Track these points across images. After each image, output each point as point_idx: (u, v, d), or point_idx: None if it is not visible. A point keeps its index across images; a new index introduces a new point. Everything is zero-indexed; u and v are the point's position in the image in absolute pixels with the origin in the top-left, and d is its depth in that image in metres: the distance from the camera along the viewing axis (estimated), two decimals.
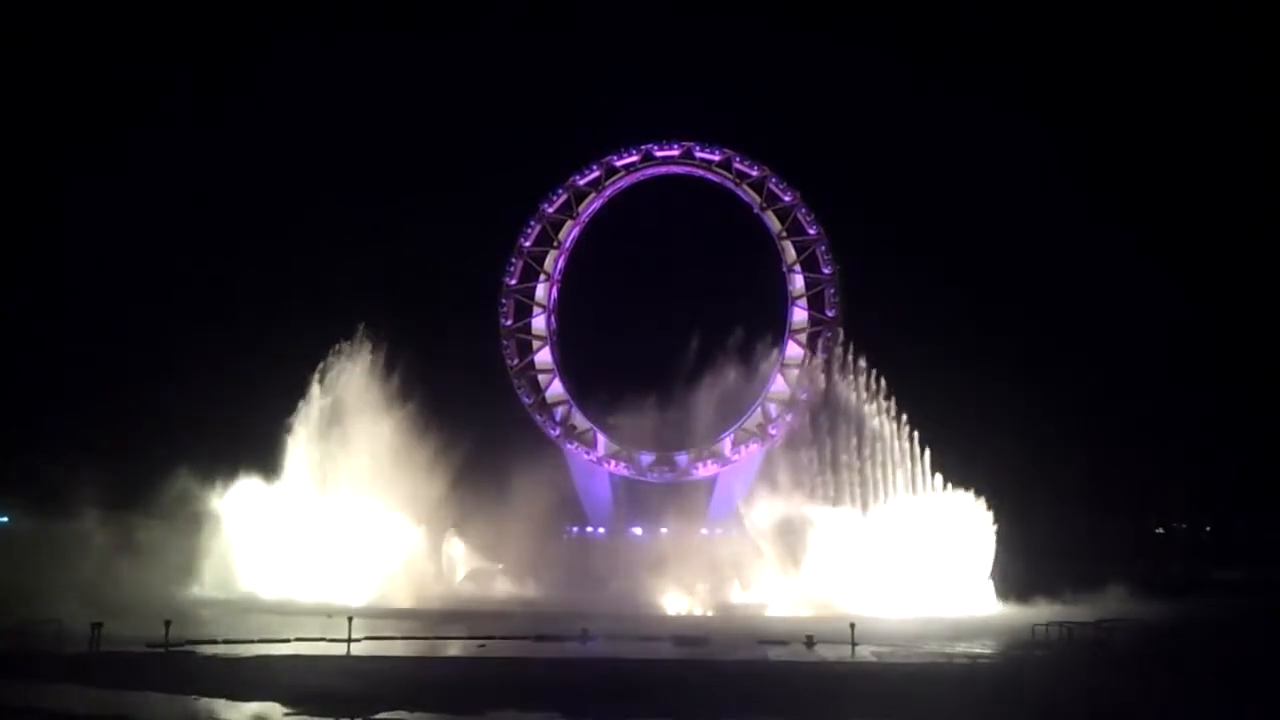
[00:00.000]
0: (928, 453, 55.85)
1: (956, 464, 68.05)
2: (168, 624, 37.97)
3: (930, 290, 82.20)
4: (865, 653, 36.94)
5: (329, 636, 40.21)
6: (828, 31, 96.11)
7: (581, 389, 68.67)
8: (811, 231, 66.66)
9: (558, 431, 66.96)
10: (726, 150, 67.80)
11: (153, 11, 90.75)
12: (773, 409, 66.27)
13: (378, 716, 26.82)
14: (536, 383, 67.95)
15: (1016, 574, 56.00)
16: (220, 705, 28.82)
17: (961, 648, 39.26)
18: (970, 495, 54.84)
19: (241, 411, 61.03)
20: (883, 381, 57.22)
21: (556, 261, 68.95)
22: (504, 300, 68.29)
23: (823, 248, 66.44)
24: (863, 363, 57.65)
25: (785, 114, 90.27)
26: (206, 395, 64.58)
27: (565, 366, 68.68)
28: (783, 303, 67.41)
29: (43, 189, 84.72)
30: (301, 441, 57.47)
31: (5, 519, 76.39)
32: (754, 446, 66.07)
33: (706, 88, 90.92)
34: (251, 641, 39.52)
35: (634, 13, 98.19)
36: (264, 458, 57.93)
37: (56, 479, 69.05)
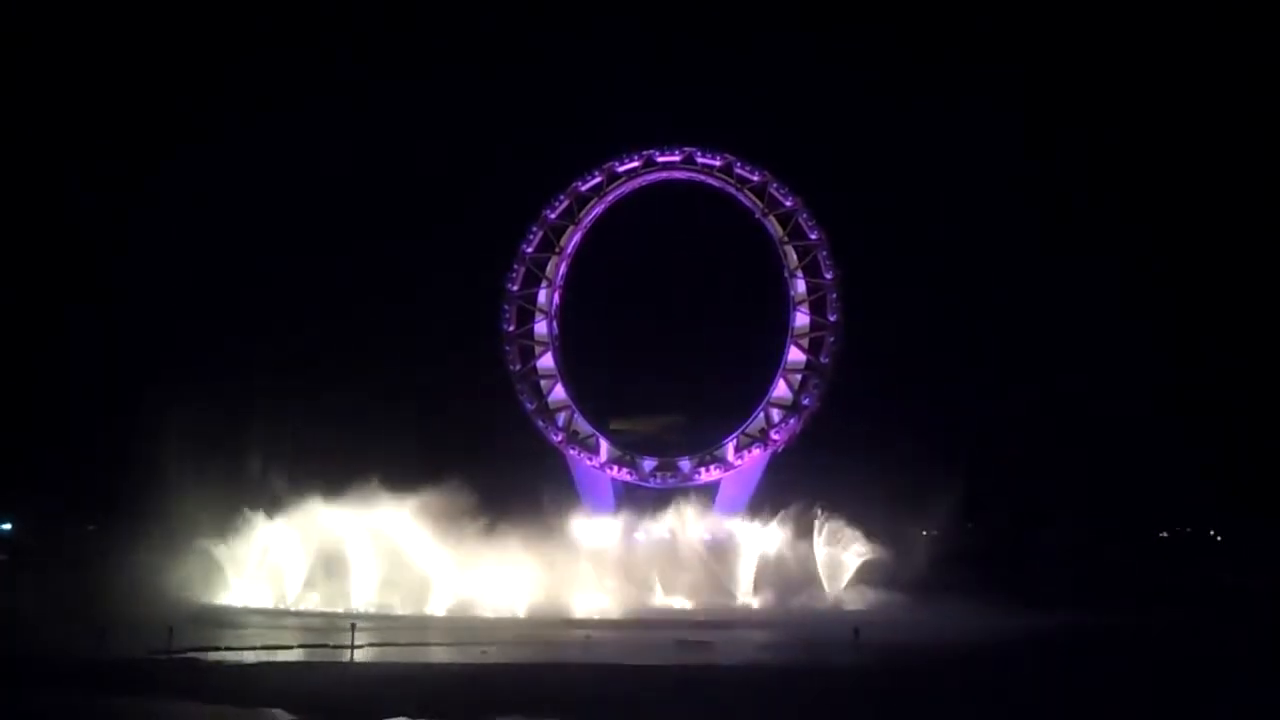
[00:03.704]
0: None
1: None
2: (171, 630, 38.13)
3: (930, 290, 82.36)
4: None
5: (332, 644, 40.37)
6: (828, 32, 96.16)
7: (583, 394, 68.61)
8: (813, 236, 66.61)
9: (560, 437, 66.98)
10: (727, 155, 67.72)
11: (151, 12, 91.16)
12: (775, 414, 66.26)
13: None
14: (538, 388, 67.92)
15: (1021, 581, 56.03)
16: (224, 712, 28.95)
17: None
18: None
19: (248, 417, 61.11)
20: None
21: (558, 267, 68.99)
22: (506, 305, 68.35)
23: (824, 252, 66.36)
24: None
25: (785, 114, 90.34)
26: (210, 403, 64.55)
27: (567, 372, 68.72)
28: (784, 307, 67.41)
29: (43, 191, 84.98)
30: None
31: (8, 525, 76.69)
32: (756, 451, 66.02)
33: (707, 88, 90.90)
34: (255, 649, 39.71)
35: (634, 14, 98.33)
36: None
37: (59, 486, 69.43)
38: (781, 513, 60.88)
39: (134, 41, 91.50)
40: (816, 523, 60.33)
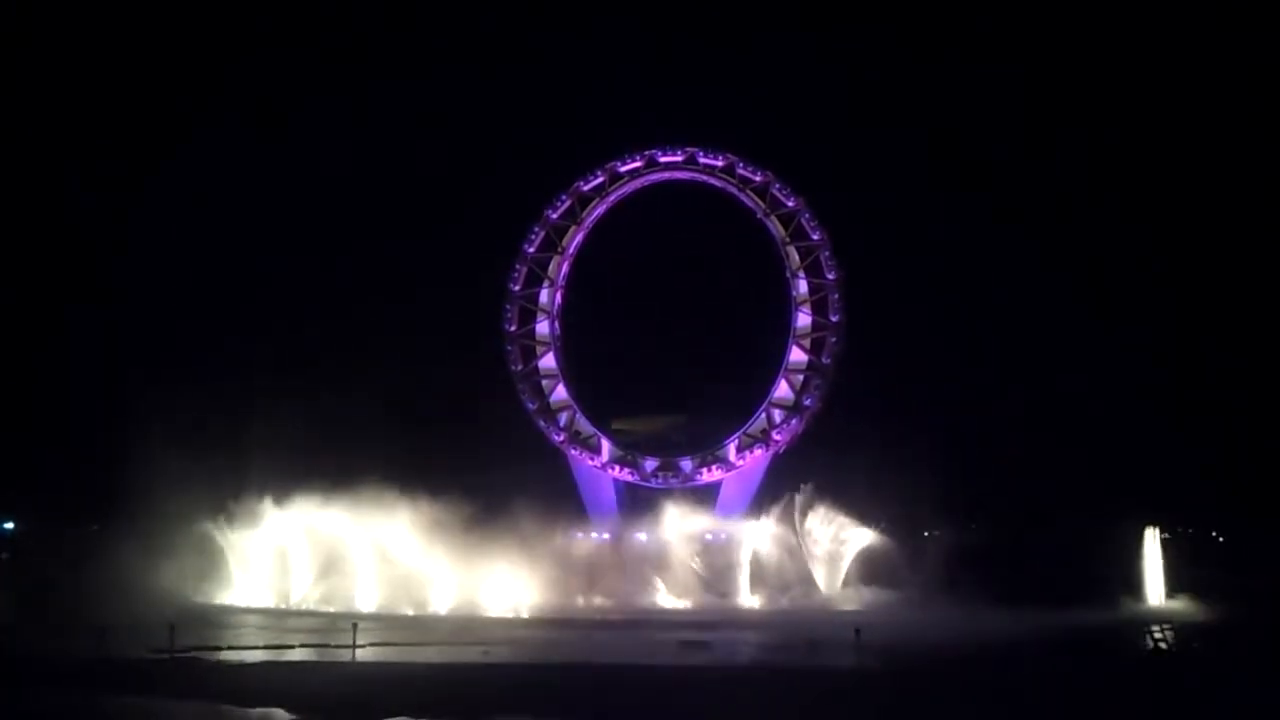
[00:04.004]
0: None
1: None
2: (172, 629, 38.04)
3: (930, 290, 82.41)
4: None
5: (333, 643, 40.31)
6: (828, 32, 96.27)
7: (585, 394, 68.57)
8: (815, 237, 66.56)
9: (562, 437, 66.93)
10: (729, 155, 67.63)
11: (151, 12, 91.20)
12: (777, 414, 66.20)
13: None
14: (540, 388, 67.88)
15: (1021, 581, 55.91)
16: (225, 712, 28.88)
17: None
18: None
19: (250, 419, 60.99)
20: None
21: (560, 267, 68.94)
22: (508, 305, 68.32)
23: (826, 253, 66.28)
24: None
25: (786, 115, 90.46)
26: (210, 403, 64.47)
27: (569, 372, 68.66)
28: (786, 307, 67.34)
29: (43, 191, 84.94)
30: None
31: (10, 524, 76.63)
32: (758, 452, 65.94)
33: (707, 89, 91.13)
34: (256, 648, 39.67)
35: (634, 14, 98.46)
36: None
37: (60, 486, 69.33)
38: (781, 502, 60.52)
39: (134, 41, 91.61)
40: (799, 499, 60.08)
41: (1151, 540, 60.97)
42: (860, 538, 59.67)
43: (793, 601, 57.33)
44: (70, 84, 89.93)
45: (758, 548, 59.49)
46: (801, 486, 60.58)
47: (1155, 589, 59.82)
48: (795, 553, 59.40)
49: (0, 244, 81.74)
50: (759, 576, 58.97)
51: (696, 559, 59.53)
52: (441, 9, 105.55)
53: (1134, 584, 59.62)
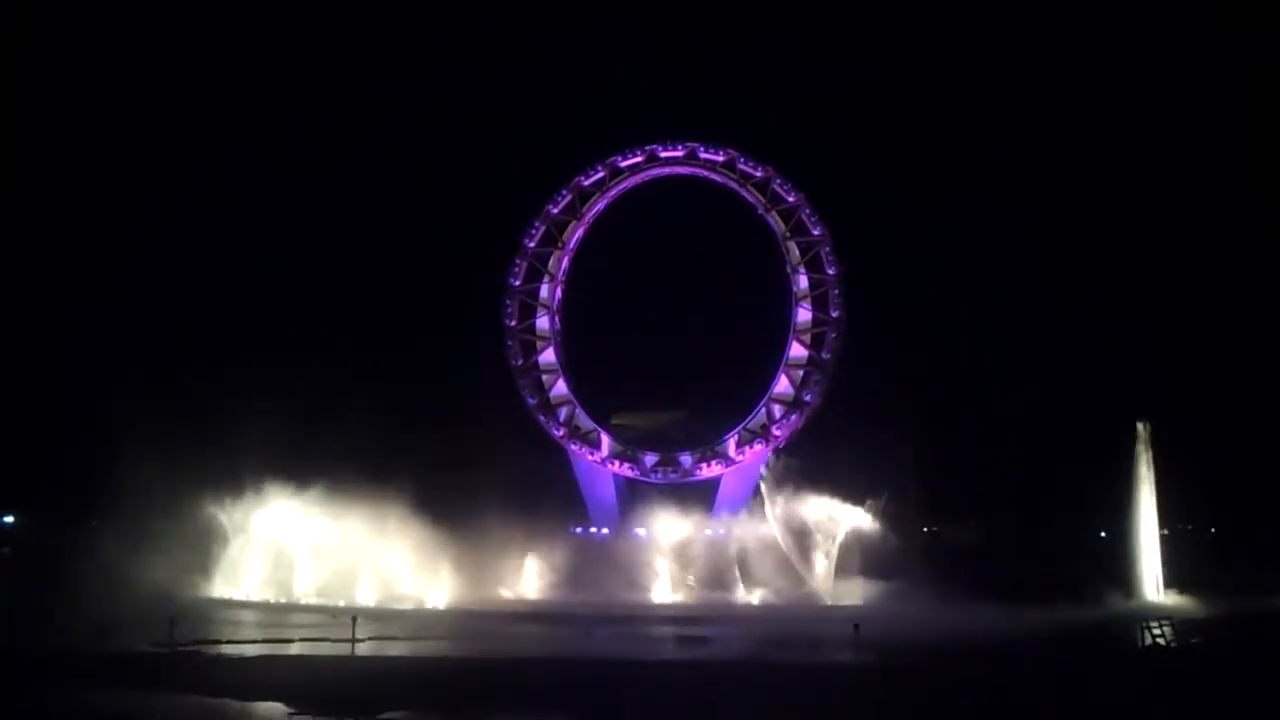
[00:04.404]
0: None
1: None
2: (172, 623, 38.01)
3: (930, 290, 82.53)
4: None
5: (333, 637, 40.30)
6: (828, 31, 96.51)
7: (585, 389, 68.74)
8: (815, 232, 66.73)
9: (562, 432, 67.04)
10: (730, 151, 67.85)
11: (153, 10, 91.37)
12: (777, 410, 66.30)
13: (381, 717, 26.87)
14: (540, 383, 68.03)
15: (1021, 579, 55.86)
16: (224, 705, 28.83)
17: None
18: None
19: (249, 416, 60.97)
20: None
21: (560, 262, 69.09)
22: (508, 300, 68.45)
23: (827, 248, 66.51)
24: None
25: (786, 114, 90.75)
26: (212, 401, 64.48)
27: (569, 367, 68.75)
28: (786, 303, 67.48)
29: (43, 192, 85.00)
30: None
31: (10, 519, 76.65)
32: (758, 447, 66.07)
33: (707, 88, 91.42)
34: (256, 642, 39.65)
35: (634, 14, 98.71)
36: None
37: (60, 484, 69.31)
38: (773, 490, 60.15)
39: (134, 42, 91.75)
40: (771, 460, 59.57)
41: (1142, 434, 60.52)
42: (848, 516, 58.80)
43: (791, 596, 57.17)
44: (71, 84, 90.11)
45: (755, 543, 59.32)
46: (779, 454, 60.17)
47: (1153, 584, 59.77)
48: (790, 547, 59.18)
49: (0, 244, 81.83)
50: (758, 572, 58.85)
51: (695, 554, 59.42)
52: (441, 9, 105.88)
53: (1131, 580, 59.59)
